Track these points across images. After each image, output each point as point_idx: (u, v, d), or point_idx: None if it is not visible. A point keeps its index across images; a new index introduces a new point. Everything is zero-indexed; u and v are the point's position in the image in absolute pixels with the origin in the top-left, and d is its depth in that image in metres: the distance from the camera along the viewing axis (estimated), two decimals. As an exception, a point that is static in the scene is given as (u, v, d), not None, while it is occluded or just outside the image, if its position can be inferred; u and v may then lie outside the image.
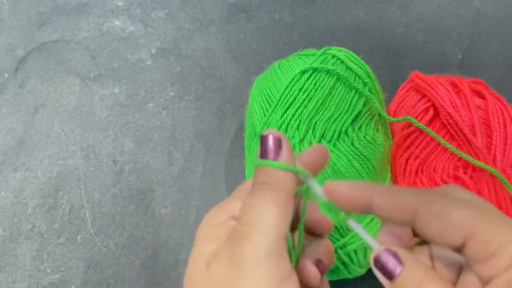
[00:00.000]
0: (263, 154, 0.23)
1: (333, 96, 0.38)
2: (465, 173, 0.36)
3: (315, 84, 0.38)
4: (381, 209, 0.22)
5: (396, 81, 0.50)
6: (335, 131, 0.37)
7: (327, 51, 0.40)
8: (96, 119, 0.52)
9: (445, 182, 0.36)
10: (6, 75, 0.55)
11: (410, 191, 0.22)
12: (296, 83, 0.38)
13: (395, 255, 0.21)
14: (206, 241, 0.23)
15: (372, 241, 0.22)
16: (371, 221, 0.36)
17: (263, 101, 0.40)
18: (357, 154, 0.37)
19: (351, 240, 0.35)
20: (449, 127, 0.37)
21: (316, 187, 0.23)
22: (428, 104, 0.39)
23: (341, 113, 0.38)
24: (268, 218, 0.21)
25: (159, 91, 0.53)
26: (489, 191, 0.35)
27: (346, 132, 0.38)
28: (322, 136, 0.37)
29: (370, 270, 0.39)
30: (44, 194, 0.48)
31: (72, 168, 0.49)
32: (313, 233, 0.26)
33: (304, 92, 0.38)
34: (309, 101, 0.38)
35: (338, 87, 0.39)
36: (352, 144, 0.37)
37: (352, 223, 0.23)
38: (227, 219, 0.23)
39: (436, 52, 0.53)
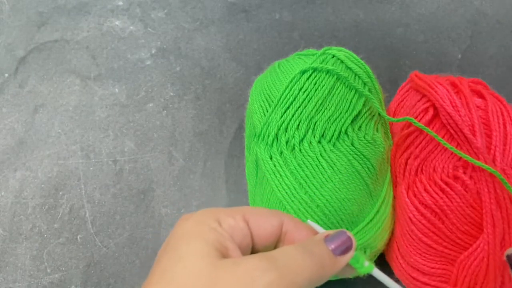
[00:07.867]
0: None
1: (333, 96, 0.38)
2: (464, 173, 0.36)
3: (315, 84, 0.38)
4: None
5: (396, 81, 0.50)
6: (335, 131, 0.37)
7: (327, 51, 0.40)
8: (96, 119, 0.52)
9: (445, 182, 0.36)
10: (6, 75, 0.55)
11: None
12: (296, 83, 0.38)
13: None
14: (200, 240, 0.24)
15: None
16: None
17: (263, 101, 0.40)
18: (357, 154, 0.37)
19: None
20: (448, 127, 0.37)
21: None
22: (428, 104, 0.39)
23: (341, 113, 0.38)
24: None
25: (159, 91, 0.53)
26: (489, 191, 0.35)
27: (346, 132, 0.38)
28: (322, 136, 0.37)
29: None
30: (44, 194, 0.48)
31: (72, 168, 0.49)
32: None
33: (304, 92, 0.38)
34: (309, 101, 0.38)
35: (338, 87, 0.39)
36: (352, 144, 0.37)
37: (376, 273, 0.27)
38: (218, 225, 0.25)
39: (436, 52, 0.53)
